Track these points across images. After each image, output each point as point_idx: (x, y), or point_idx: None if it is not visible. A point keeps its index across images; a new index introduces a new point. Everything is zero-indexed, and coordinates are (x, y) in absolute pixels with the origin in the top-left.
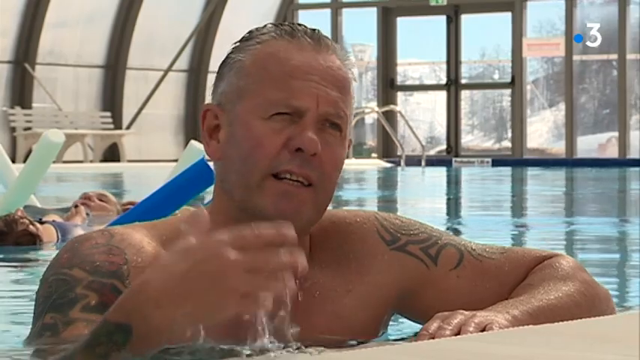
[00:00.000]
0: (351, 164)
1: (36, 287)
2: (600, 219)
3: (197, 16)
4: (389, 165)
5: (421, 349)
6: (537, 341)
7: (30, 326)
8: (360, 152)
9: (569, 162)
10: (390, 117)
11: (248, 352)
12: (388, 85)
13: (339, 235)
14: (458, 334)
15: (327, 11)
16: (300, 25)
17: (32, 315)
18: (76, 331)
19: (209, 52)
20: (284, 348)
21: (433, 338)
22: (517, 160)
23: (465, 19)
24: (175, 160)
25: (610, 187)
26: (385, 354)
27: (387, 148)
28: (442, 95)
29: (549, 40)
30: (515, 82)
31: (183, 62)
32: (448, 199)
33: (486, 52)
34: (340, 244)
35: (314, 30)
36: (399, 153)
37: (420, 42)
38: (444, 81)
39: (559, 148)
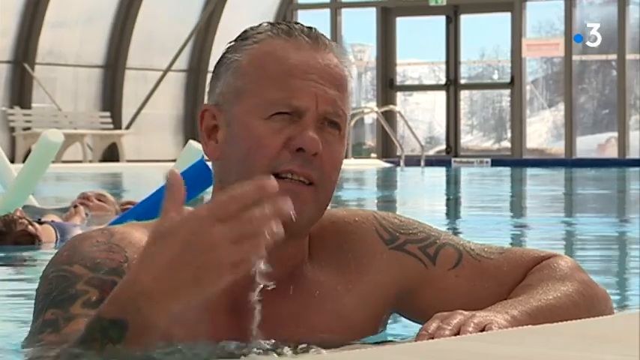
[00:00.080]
0: (350, 164)
1: (35, 287)
2: (599, 219)
3: (196, 16)
4: (388, 165)
5: (420, 349)
6: (536, 341)
7: (29, 325)
8: (360, 152)
9: (569, 162)
10: (389, 117)
11: (247, 353)
12: (387, 85)
13: (338, 235)
14: (457, 334)
15: (327, 11)
16: (296, 23)
17: (32, 313)
18: (76, 327)
19: (208, 52)
20: (284, 348)
21: (432, 338)
22: (516, 161)
23: (465, 19)
24: (174, 160)
25: (609, 188)
26: (385, 354)
27: (386, 148)
28: (441, 95)
29: (548, 40)
30: (514, 83)
31: (182, 62)
32: (447, 199)
33: (486, 52)
34: (339, 243)
35: (310, 28)
36: (398, 153)
37: (420, 42)
38: (443, 81)
39: (558, 149)
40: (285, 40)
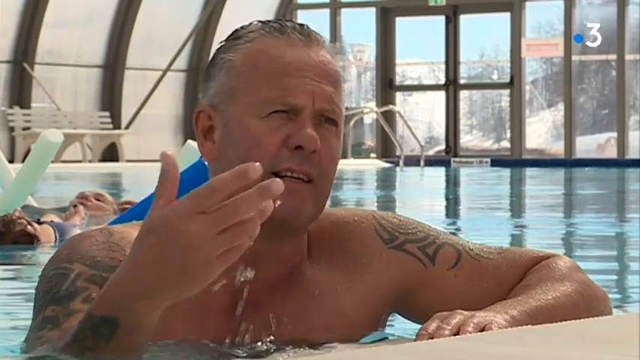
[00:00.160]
0: (350, 164)
1: (34, 287)
2: (599, 219)
3: (196, 16)
4: (388, 165)
5: (420, 349)
6: (536, 341)
7: (27, 325)
8: (359, 152)
9: (568, 162)
10: (388, 117)
11: (247, 353)
12: (387, 85)
13: (337, 234)
14: (457, 334)
15: (326, 11)
16: (287, 20)
17: (31, 313)
18: (76, 322)
19: (208, 52)
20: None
21: (432, 338)
22: (516, 161)
23: (464, 19)
24: None
25: (609, 188)
26: (384, 354)
27: (385, 148)
28: (441, 95)
29: (548, 40)
30: (514, 83)
31: (182, 62)
32: (447, 200)
33: (485, 52)
34: (339, 243)
35: (302, 25)
36: (397, 153)
37: (419, 42)
38: (442, 81)
39: (558, 149)
40: (277, 37)
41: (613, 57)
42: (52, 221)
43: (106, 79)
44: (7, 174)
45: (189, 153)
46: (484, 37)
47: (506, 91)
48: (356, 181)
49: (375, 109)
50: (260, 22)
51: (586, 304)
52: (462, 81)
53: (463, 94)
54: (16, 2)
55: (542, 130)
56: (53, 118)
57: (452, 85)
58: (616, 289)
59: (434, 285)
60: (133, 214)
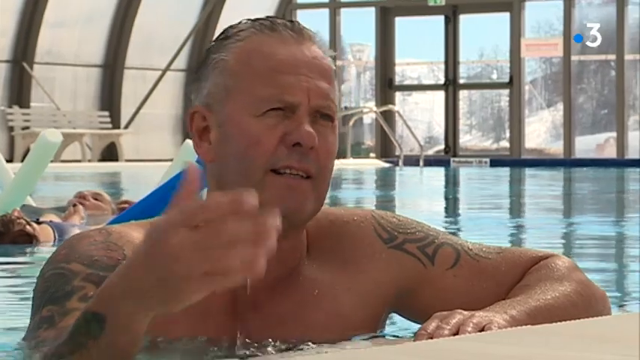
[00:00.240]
0: (349, 164)
1: (32, 287)
2: (598, 219)
3: (195, 16)
4: (387, 165)
5: (420, 348)
6: (536, 341)
7: (26, 325)
8: (359, 152)
9: (567, 162)
10: (388, 117)
11: (247, 353)
12: (386, 85)
13: (336, 234)
14: (456, 334)
15: (326, 11)
16: (277, 17)
17: (29, 313)
18: (72, 321)
19: None
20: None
21: (432, 338)
22: (515, 160)
23: (464, 19)
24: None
25: (608, 188)
26: (384, 354)
27: (385, 148)
28: (440, 95)
29: (547, 40)
30: (513, 83)
31: (181, 62)
32: (446, 199)
33: (484, 52)
34: (338, 242)
35: (292, 22)
36: (397, 153)
37: (419, 42)
38: (442, 81)
39: (557, 149)
40: (269, 35)
41: (612, 57)
42: (51, 221)
43: (105, 79)
44: (6, 174)
45: (188, 152)
46: (483, 37)
47: (506, 91)
48: (355, 181)
49: (375, 108)
50: (250, 20)
51: (585, 304)
52: (461, 81)
53: (462, 94)
54: (16, 2)
55: (541, 130)
56: (52, 117)
57: (451, 85)
58: (615, 289)
59: (433, 285)
60: (131, 214)
